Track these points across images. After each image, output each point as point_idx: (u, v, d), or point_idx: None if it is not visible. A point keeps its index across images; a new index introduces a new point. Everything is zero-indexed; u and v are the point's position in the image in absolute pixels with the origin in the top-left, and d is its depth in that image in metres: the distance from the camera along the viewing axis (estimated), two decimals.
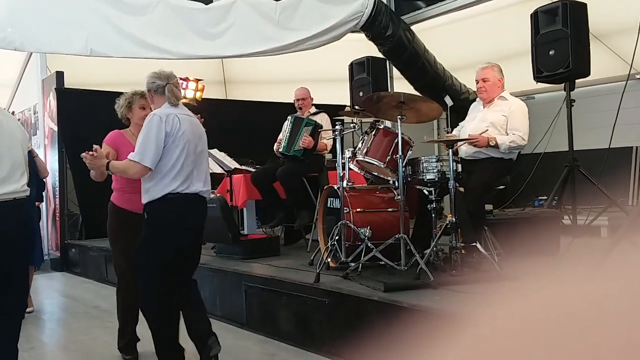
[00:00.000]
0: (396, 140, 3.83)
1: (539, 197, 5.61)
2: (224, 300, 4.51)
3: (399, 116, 3.79)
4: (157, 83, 3.13)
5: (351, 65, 6.88)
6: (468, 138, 4.05)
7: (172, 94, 3.09)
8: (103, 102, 7.69)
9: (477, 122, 4.26)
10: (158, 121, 2.96)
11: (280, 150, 5.34)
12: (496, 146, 4.00)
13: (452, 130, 4.01)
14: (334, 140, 4.34)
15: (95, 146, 3.09)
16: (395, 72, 8.03)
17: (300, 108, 5.62)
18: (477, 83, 4.29)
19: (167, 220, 3.01)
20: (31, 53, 8.08)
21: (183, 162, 2.99)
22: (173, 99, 3.10)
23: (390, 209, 4.16)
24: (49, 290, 6.02)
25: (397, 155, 3.78)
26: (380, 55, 7.30)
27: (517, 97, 4.41)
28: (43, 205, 7.82)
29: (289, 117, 5.38)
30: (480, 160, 4.10)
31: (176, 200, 2.99)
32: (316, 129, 5.22)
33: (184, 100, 7.31)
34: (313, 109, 5.69)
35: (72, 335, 4.41)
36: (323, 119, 5.48)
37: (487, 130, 4.03)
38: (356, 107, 5.67)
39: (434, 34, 7.78)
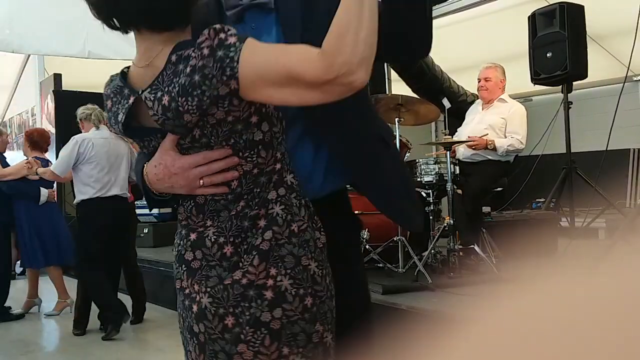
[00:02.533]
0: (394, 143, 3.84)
1: (537, 199, 5.62)
2: None
3: (397, 118, 3.80)
4: (86, 112, 4.32)
5: None
6: (467, 140, 4.05)
7: (97, 118, 4.26)
8: (101, 104, 7.69)
9: (475, 123, 4.27)
10: (74, 143, 4.14)
11: None
12: (494, 149, 4.01)
13: (450, 132, 4.01)
14: None
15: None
16: (393, 74, 8.04)
17: None
18: (479, 82, 4.29)
19: (90, 216, 4.11)
20: (29, 55, 8.08)
21: (97, 174, 4.10)
22: (96, 121, 4.26)
23: None
24: (46, 293, 6.00)
25: None
26: None
27: (514, 99, 4.42)
28: None
29: None
30: (478, 162, 4.11)
31: (96, 201, 4.09)
32: None
33: None
34: None
35: (70, 338, 4.40)
36: None
37: (487, 134, 4.04)
38: None
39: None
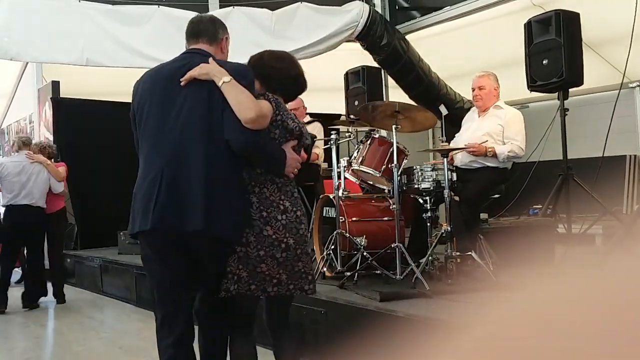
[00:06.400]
0: (391, 149, 3.84)
1: (534, 206, 5.62)
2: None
3: (394, 125, 3.80)
4: (12, 140, 5.73)
5: (346, 74, 6.90)
6: (465, 147, 4.06)
7: (16, 145, 5.88)
8: (99, 111, 7.71)
9: (472, 131, 4.28)
10: None
11: None
12: (494, 156, 4.01)
13: (447, 139, 4.02)
14: (329, 149, 4.35)
15: None
16: (391, 81, 8.06)
17: None
18: (473, 91, 4.32)
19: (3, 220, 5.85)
20: (27, 63, 8.08)
21: (11, 189, 5.63)
22: (16, 147, 5.87)
23: (385, 218, 4.17)
24: (44, 301, 5.99)
25: (393, 164, 3.79)
26: (376, 65, 7.33)
27: (511, 105, 4.44)
28: None
29: None
30: (476, 169, 4.12)
31: (9, 208, 5.68)
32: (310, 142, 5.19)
33: None
34: (307, 118, 5.69)
35: (67, 346, 4.39)
36: (316, 128, 5.48)
37: (487, 141, 4.05)
38: (351, 116, 5.68)
39: (429, 44, 7.82)
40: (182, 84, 2.21)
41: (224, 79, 2.19)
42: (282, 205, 2.30)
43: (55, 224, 5.98)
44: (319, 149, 5.43)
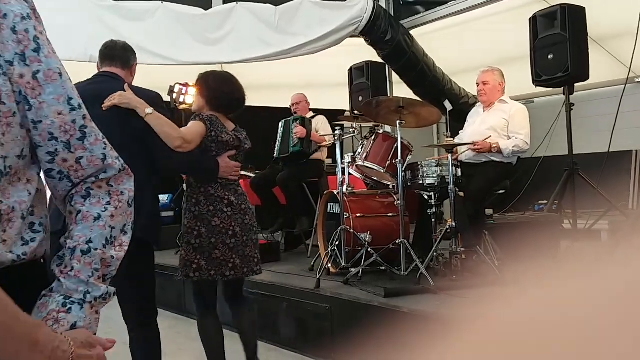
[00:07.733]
0: (395, 145, 3.83)
1: (539, 202, 5.60)
2: (224, 307, 4.50)
3: (398, 121, 3.79)
4: None
5: (350, 69, 6.89)
6: (469, 142, 4.05)
7: None
8: None
9: (477, 125, 4.27)
10: None
11: (276, 155, 5.36)
12: (499, 151, 4.00)
13: (451, 135, 4.01)
14: (334, 145, 4.35)
15: None
16: (395, 77, 8.03)
17: (295, 112, 5.64)
18: (477, 86, 4.31)
19: None
20: None
21: None
22: None
23: (390, 214, 4.16)
24: None
25: (397, 160, 3.78)
26: (380, 60, 7.31)
27: (516, 101, 4.42)
28: None
29: (280, 123, 5.42)
30: (481, 163, 4.11)
31: None
32: (304, 121, 5.24)
33: (184, 106, 7.38)
34: (310, 114, 5.69)
35: None
36: (319, 121, 5.49)
37: (490, 136, 4.04)
38: (356, 111, 5.68)
39: (433, 39, 7.79)
40: (103, 108, 2.43)
41: (146, 111, 2.46)
42: (227, 199, 2.70)
43: None
44: (324, 134, 5.41)
